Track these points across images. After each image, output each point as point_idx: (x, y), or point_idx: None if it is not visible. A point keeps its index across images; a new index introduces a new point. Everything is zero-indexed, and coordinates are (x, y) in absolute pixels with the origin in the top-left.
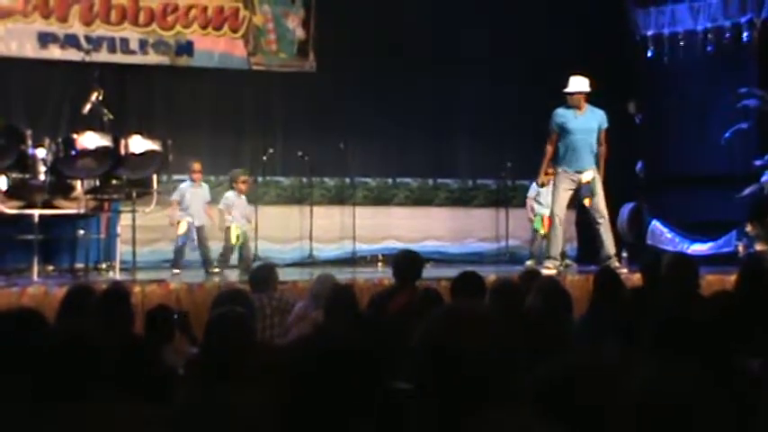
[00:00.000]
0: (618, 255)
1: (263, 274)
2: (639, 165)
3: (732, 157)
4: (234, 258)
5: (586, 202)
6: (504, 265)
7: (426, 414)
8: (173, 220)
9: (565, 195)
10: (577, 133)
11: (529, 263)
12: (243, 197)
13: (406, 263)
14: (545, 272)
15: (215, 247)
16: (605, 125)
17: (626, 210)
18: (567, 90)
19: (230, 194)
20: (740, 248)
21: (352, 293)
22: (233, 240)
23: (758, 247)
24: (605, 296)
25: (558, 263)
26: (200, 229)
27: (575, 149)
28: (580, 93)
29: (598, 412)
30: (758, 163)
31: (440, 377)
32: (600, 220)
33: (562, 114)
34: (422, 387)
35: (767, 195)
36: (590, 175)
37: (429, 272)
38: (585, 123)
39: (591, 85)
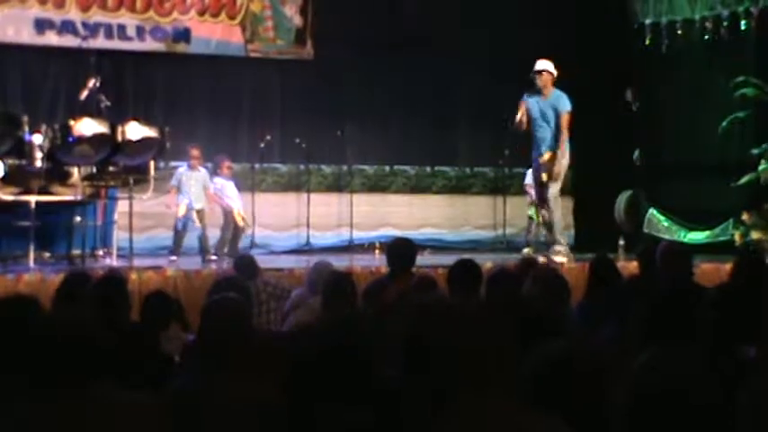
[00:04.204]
0: (616, 243)
1: (244, 264)
2: (636, 153)
3: (729, 145)
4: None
5: (544, 176)
6: (501, 252)
7: (412, 401)
8: (169, 206)
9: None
10: (537, 120)
11: (526, 251)
12: (231, 181)
13: (399, 251)
14: (558, 259)
15: (212, 234)
16: (564, 108)
17: (623, 198)
18: (535, 69)
19: (219, 179)
20: (737, 237)
21: (351, 281)
22: (240, 223)
23: (754, 235)
24: (601, 284)
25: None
26: (199, 213)
27: (538, 136)
28: (544, 71)
29: (593, 398)
30: (755, 152)
31: (415, 367)
32: (549, 204)
33: (527, 101)
34: (404, 375)
35: (764, 184)
36: (549, 155)
37: (426, 259)
38: (545, 109)
39: (589, 74)
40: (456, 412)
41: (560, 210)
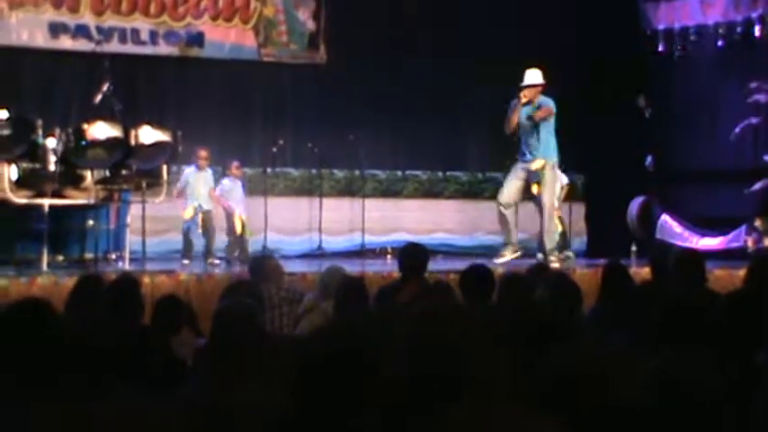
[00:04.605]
0: (629, 248)
1: (257, 265)
2: (649, 159)
3: (742, 151)
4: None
5: (534, 188)
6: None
7: (419, 404)
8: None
9: (513, 183)
10: (526, 126)
11: (539, 256)
12: (238, 182)
13: (410, 255)
14: (499, 261)
15: (222, 238)
16: (547, 105)
17: (635, 204)
18: (522, 84)
19: (226, 181)
20: (749, 243)
21: (363, 286)
22: (239, 230)
23: (767, 242)
24: (613, 290)
25: (514, 252)
26: (206, 214)
27: (524, 141)
28: (536, 85)
29: (604, 403)
30: None
31: (422, 369)
32: (540, 212)
33: (514, 107)
34: (410, 378)
35: None
36: (539, 163)
37: (438, 264)
38: (532, 114)
39: (602, 80)
40: (462, 415)
41: (553, 221)
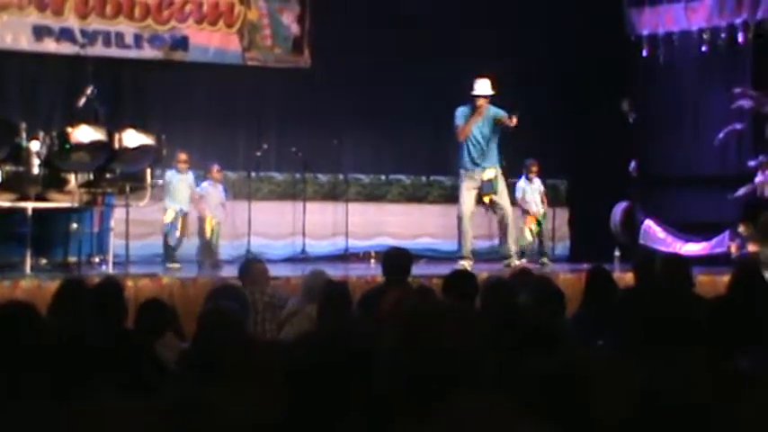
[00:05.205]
0: (612, 253)
1: (243, 269)
2: (633, 164)
3: (726, 157)
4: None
5: (486, 199)
6: (496, 263)
7: (406, 405)
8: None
9: (471, 195)
10: (478, 136)
11: (523, 261)
12: (218, 186)
13: (394, 260)
14: (459, 267)
15: (190, 242)
16: (500, 114)
17: (619, 209)
18: (475, 93)
19: (205, 184)
20: (733, 249)
21: (346, 290)
22: (208, 233)
23: (750, 247)
24: (597, 295)
25: (471, 261)
26: (183, 218)
27: (474, 150)
28: (487, 96)
29: (588, 407)
30: (752, 164)
31: (409, 370)
32: (503, 217)
33: (466, 115)
34: (397, 378)
35: (760, 196)
36: (491, 173)
37: (422, 269)
38: (481, 127)
39: (586, 85)
40: (449, 416)
41: (516, 226)
